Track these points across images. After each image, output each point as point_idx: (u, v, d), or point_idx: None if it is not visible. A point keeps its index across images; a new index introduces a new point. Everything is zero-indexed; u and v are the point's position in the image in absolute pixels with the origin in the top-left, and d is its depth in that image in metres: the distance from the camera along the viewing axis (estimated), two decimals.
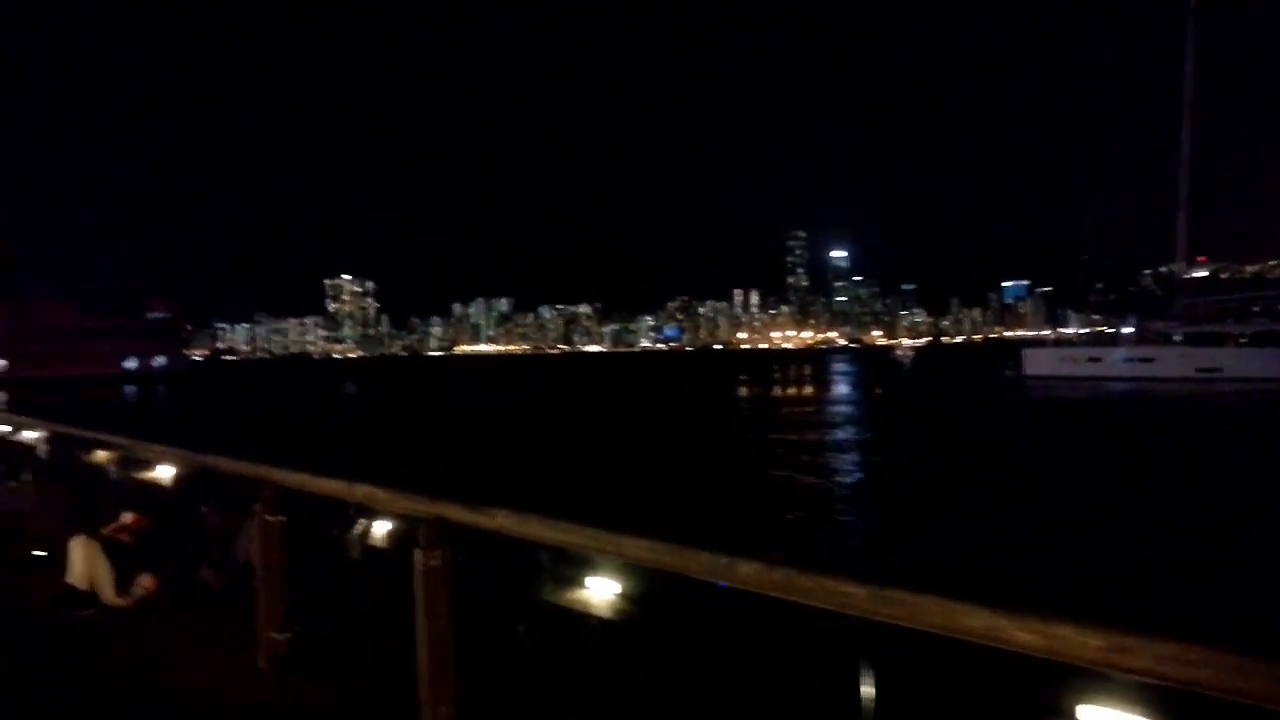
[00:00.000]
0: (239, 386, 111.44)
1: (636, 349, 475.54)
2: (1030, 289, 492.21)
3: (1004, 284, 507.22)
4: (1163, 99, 78.79)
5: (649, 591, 4.84)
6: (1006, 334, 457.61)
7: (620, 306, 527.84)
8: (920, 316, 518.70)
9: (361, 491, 4.23)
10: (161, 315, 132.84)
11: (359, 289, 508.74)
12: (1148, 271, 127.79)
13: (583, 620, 4.91)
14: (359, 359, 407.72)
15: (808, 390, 79.84)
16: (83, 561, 6.29)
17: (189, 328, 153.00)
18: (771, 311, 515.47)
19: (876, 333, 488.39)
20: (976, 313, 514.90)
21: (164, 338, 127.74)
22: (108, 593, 6.24)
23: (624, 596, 4.97)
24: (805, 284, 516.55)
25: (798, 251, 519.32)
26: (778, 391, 79.95)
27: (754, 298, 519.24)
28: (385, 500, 4.01)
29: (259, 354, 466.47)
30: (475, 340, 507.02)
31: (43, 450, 9.67)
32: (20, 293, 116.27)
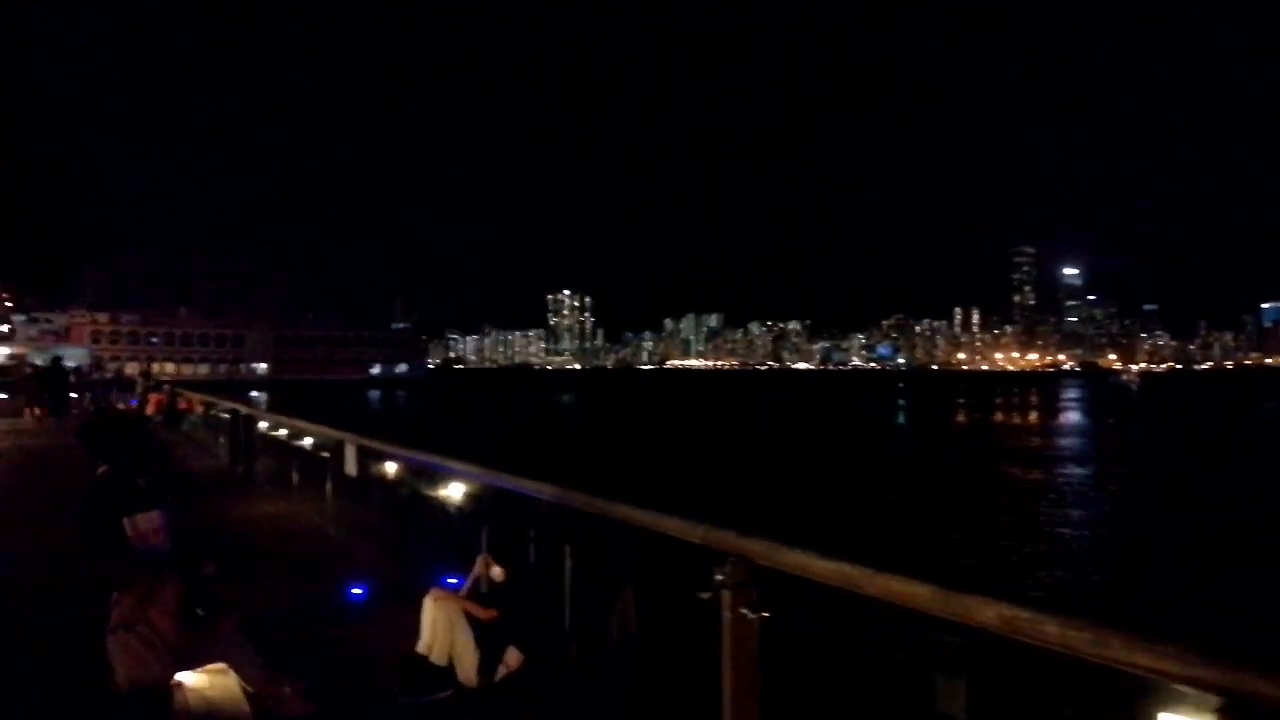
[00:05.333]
0: (473, 393, 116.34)
1: (847, 367, 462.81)
2: None
3: (1263, 305, 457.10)
4: None
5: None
6: (1267, 360, 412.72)
7: (831, 323, 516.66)
8: (1163, 340, 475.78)
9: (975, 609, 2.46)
10: (403, 326, 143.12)
11: (577, 304, 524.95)
12: None
13: None
14: (574, 371, 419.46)
15: (1033, 417, 73.96)
16: (441, 626, 4.94)
17: (425, 338, 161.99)
18: (994, 331, 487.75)
19: (1112, 356, 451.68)
20: (1228, 337, 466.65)
21: (405, 346, 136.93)
22: (469, 671, 4.86)
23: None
24: (1032, 303, 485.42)
25: (1025, 268, 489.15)
26: (999, 417, 74.52)
27: (975, 316, 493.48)
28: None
29: (486, 363, 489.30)
30: (685, 355, 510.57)
31: (352, 466, 8.68)
32: (281, 305, 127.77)
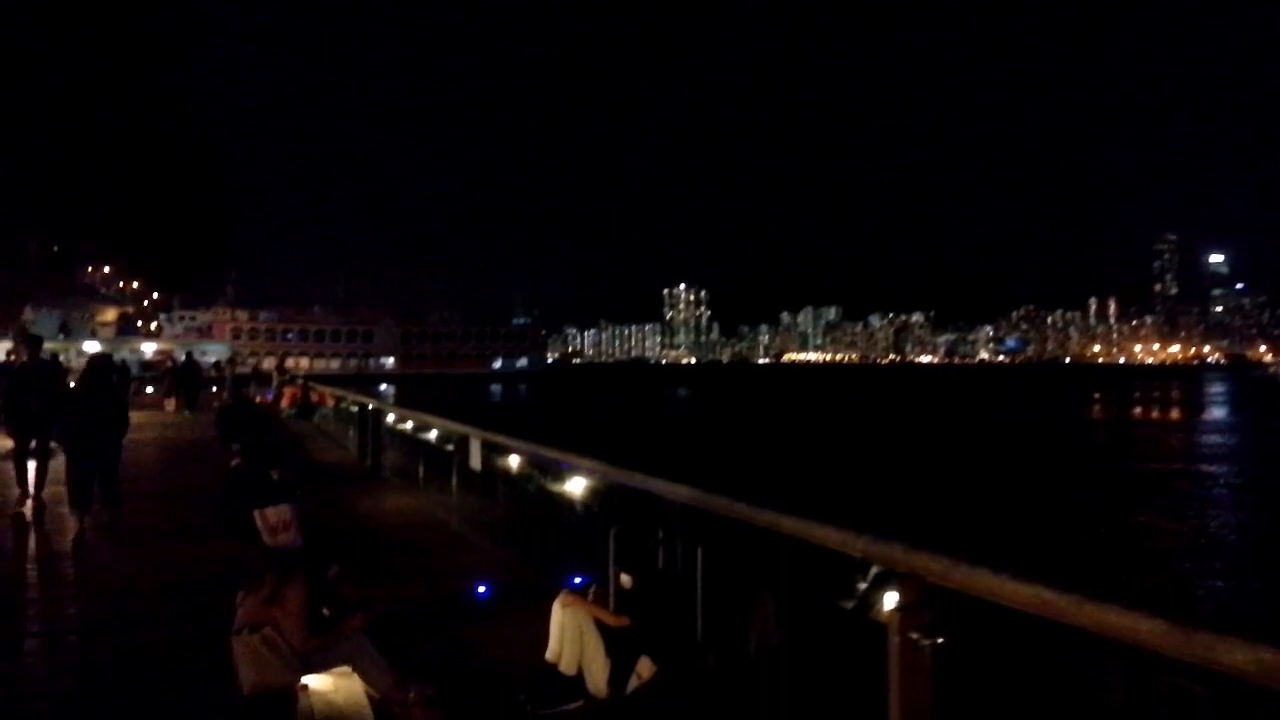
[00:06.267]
0: (590, 387, 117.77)
1: (974, 360, 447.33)
2: None
3: None
4: None
5: None
6: None
7: (957, 315, 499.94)
8: None
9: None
10: (524, 321, 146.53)
11: (693, 298, 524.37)
12: None
13: None
14: (690, 365, 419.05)
15: (1176, 414, 69.78)
16: (570, 633, 4.68)
17: (544, 333, 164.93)
18: (1133, 322, 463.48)
19: (1262, 348, 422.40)
20: None
21: (525, 341, 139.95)
22: (599, 683, 4.58)
23: None
24: (1174, 292, 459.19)
25: (1167, 256, 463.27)
26: (1139, 412, 70.61)
27: (1112, 307, 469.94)
28: None
29: (602, 358, 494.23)
30: (803, 348, 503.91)
31: (477, 461, 8.56)
32: (408, 302, 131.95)
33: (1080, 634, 2.52)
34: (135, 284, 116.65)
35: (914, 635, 2.99)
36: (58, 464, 9.93)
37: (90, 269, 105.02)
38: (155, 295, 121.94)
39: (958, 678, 3.09)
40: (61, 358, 53.86)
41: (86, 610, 6.58)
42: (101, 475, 9.22)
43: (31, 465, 10.20)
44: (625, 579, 4.84)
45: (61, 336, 75.39)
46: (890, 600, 3.87)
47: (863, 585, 4.07)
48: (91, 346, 57.54)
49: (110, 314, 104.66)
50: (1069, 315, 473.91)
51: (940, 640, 2.98)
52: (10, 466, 10.86)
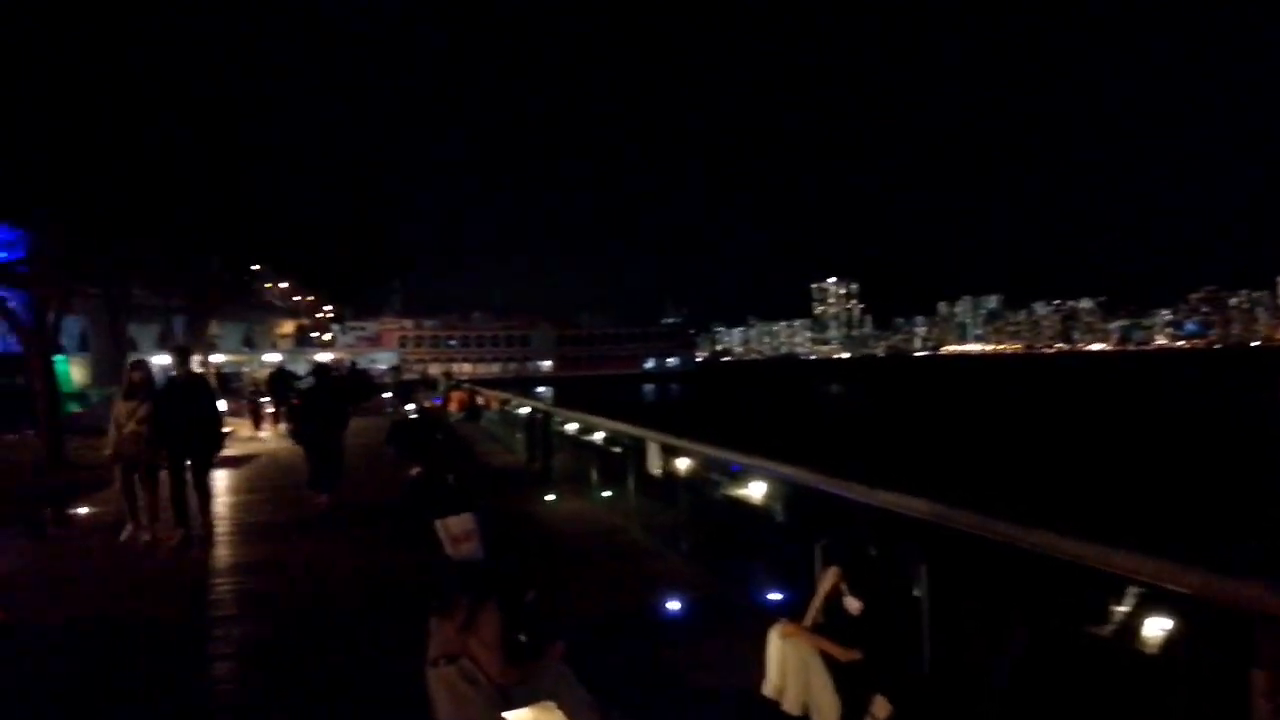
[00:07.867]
0: (742, 385, 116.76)
1: (1150, 347, 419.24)
2: None
3: None
4: None
5: None
6: None
7: (1130, 300, 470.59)
8: None
9: None
10: (673, 321, 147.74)
11: (843, 291, 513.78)
12: None
13: None
14: (842, 360, 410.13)
15: None
16: (793, 667, 4.14)
17: (693, 331, 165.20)
18: None
19: None
20: None
21: (675, 341, 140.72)
22: None
23: None
24: None
25: None
26: None
27: None
28: None
29: (751, 355, 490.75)
30: (962, 340, 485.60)
31: (656, 464, 8.12)
32: (562, 306, 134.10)
33: None
34: (310, 298, 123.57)
35: None
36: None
37: (268, 285, 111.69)
38: (328, 307, 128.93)
39: None
40: (245, 369, 57.33)
41: (274, 627, 6.48)
42: (326, 465, 11.53)
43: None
44: (853, 604, 4.25)
45: (246, 349, 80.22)
46: (1156, 627, 3.25)
47: (1121, 609, 3.46)
48: (272, 358, 61.05)
49: (288, 326, 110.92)
50: (1255, 295, 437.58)
51: None
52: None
